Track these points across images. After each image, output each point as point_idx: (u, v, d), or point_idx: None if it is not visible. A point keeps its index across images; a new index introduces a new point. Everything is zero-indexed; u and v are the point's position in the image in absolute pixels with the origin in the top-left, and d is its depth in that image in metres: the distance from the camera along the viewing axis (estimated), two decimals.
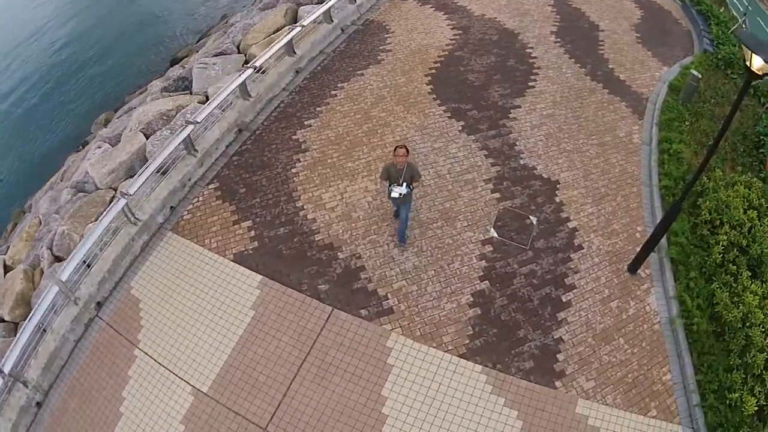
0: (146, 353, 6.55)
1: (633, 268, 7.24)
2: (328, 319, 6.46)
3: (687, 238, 7.44)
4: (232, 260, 7.13)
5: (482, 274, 6.93)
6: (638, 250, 7.14)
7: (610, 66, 10.76)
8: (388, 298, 6.60)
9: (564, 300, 6.85)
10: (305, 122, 8.86)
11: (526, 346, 6.39)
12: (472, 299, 6.68)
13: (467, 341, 6.32)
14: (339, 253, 7.05)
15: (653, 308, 6.96)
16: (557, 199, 7.95)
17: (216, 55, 11.26)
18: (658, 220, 7.18)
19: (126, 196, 7.19)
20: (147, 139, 9.33)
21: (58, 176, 11.80)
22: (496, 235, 7.33)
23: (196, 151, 8.34)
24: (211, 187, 8.09)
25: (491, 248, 7.22)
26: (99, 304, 7.06)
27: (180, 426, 5.98)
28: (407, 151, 6.25)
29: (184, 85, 11.23)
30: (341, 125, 8.76)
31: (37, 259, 8.63)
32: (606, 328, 6.66)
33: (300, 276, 6.83)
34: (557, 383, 6.17)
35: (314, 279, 6.79)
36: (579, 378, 6.25)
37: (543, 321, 6.62)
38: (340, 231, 7.32)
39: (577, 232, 7.58)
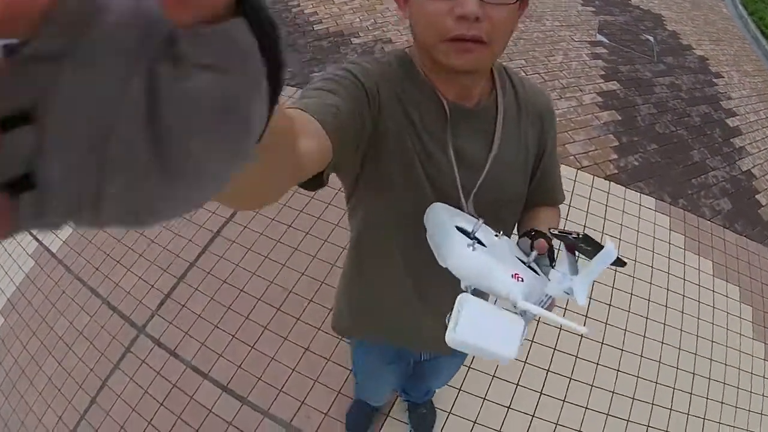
0: None
1: None
2: None
3: None
4: None
5: (604, 73, 3.37)
6: None
7: None
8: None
9: (731, 125, 3.30)
10: None
11: (710, 177, 2.83)
12: (600, 100, 3.06)
13: (614, 156, 2.69)
14: (354, 39, 3.37)
15: None
16: (669, 28, 4.51)
17: None
18: None
19: None
20: None
21: None
22: (605, 40, 3.78)
23: None
24: None
25: (605, 50, 3.68)
26: None
27: None
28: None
29: None
30: None
31: None
32: None
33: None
34: None
35: (305, 68, 3.03)
36: None
37: (717, 145, 3.05)
38: (357, 20, 3.67)
39: (707, 61, 4.17)
